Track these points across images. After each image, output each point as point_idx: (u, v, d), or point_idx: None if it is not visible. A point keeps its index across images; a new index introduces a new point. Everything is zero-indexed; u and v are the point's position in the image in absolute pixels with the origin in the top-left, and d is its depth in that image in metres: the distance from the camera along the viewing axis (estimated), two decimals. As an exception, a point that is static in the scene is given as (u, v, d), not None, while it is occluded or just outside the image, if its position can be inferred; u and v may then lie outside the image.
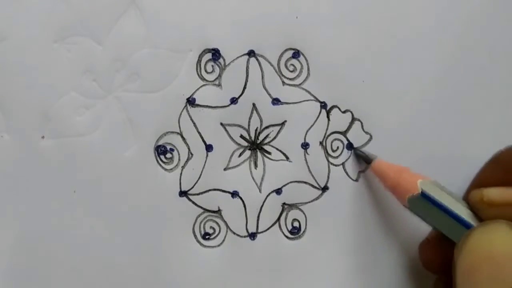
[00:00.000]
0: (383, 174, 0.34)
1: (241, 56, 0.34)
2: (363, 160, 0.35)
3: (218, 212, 0.35)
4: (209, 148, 0.35)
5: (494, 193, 0.30)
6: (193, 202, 0.35)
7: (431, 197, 0.31)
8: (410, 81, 0.35)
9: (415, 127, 0.35)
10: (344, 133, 0.35)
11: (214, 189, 0.35)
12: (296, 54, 0.35)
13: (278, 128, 0.35)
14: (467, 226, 0.31)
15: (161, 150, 0.34)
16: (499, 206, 0.30)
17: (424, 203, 0.32)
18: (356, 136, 0.35)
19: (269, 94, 0.35)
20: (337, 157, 0.35)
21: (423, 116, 0.35)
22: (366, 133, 0.35)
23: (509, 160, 0.32)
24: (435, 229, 0.33)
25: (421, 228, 0.34)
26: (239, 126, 0.35)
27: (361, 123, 0.35)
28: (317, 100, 0.35)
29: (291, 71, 0.35)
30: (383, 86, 0.35)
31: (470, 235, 0.29)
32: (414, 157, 0.35)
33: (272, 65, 0.35)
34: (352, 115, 0.35)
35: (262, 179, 0.35)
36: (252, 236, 0.35)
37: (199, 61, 0.34)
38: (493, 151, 0.31)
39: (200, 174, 0.35)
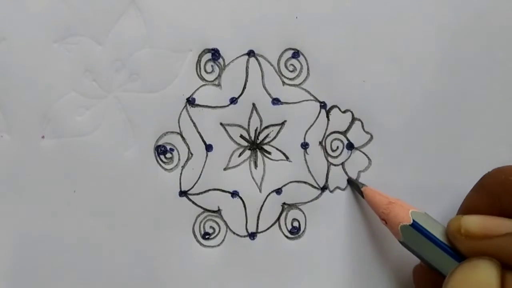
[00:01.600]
0: (374, 202, 0.33)
1: (240, 56, 0.34)
2: (355, 189, 0.35)
3: (218, 212, 0.35)
4: (209, 148, 0.35)
5: (473, 224, 0.29)
6: (193, 202, 0.35)
7: (422, 228, 0.30)
8: (411, 81, 0.35)
9: (416, 127, 0.35)
10: (344, 133, 0.35)
11: (214, 189, 0.35)
12: (296, 54, 0.35)
13: (278, 128, 0.35)
14: (457, 259, 0.29)
15: (161, 150, 0.34)
16: (477, 239, 0.29)
17: (415, 234, 0.30)
18: (357, 136, 0.35)
19: (269, 94, 0.35)
20: (336, 157, 0.35)
21: (424, 116, 0.35)
22: (367, 132, 0.35)
23: (492, 184, 0.30)
24: (425, 263, 0.31)
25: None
26: (239, 126, 0.35)
27: (362, 122, 0.35)
28: (316, 100, 0.35)
29: (291, 71, 0.35)
30: (383, 86, 0.35)
31: (453, 274, 0.28)
32: (416, 157, 0.35)
33: (272, 65, 0.35)
34: (353, 114, 0.35)
35: (262, 179, 0.35)
36: (252, 236, 0.35)
37: (198, 61, 0.34)
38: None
39: (200, 174, 0.35)
